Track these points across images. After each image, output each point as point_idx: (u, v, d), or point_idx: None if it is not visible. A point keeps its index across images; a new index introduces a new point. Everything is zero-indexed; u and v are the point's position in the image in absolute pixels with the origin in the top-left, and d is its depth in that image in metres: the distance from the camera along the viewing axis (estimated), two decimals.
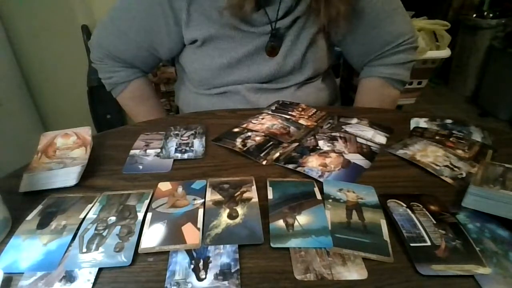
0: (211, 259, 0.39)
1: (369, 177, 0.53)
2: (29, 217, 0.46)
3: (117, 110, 1.69)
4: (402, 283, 0.37)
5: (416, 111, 0.76)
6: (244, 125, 0.67)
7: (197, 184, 0.51)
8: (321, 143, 0.61)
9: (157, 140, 0.65)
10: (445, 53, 1.40)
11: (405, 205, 0.46)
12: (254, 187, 0.50)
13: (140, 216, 0.45)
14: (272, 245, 0.40)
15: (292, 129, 0.66)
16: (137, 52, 0.80)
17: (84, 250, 0.40)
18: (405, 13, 0.79)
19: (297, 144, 0.61)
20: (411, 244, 0.40)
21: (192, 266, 0.38)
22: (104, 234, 0.42)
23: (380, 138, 0.63)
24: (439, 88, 2.81)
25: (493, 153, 0.58)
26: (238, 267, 0.38)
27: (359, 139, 0.62)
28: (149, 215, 0.45)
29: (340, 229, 0.43)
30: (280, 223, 0.43)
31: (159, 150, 0.61)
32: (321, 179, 0.52)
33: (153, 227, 0.43)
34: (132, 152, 0.61)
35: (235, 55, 0.75)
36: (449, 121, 0.69)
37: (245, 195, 0.48)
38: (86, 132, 0.62)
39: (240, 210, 0.45)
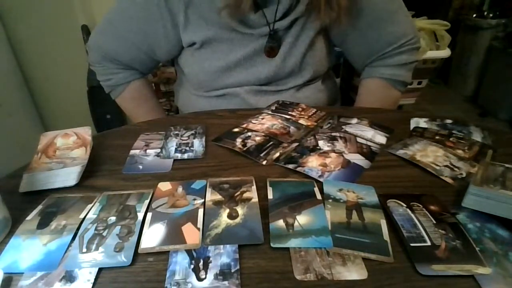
0: (211, 259, 0.39)
1: (369, 177, 0.53)
2: (29, 217, 0.46)
3: (117, 110, 1.68)
4: (402, 283, 0.37)
5: (416, 111, 0.76)
6: (244, 125, 0.67)
7: (197, 184, 0.51)
8: (321, 143, 0.61)
9: (157, 140, 0.65)
10: (445, 53, 1.41)
11: (405, 205, 0.46)
12: (254, 187, 0.50)
13: (140, 216, 0.45)
14: (272, 245, 0.40)
15: (292, 129, 0.66)
16: (135, 54, 0.80)
17: (84, 250, 0.40)
18: (407, 13, 0.79)
19: (297, 144, 0.61)
20: (411, 244, 0.40)
21: (192, 266, 0.38)
22: (104, 234, 0.42)
23: (380, 138, 0.63)
24: (439, 88, 2.81)
25: (493, 153, 0.58)
26: (238, 267, 0.38)
27: (359, 139, 0.62)
28: (149, 215, 0.45)
29: (340, 229, 0.43)
30: (280, 223, 0.43)
31: (159, 150, 0.61)
32: (321, 179, 0.52)
33: (153, 227, 0.43)
34: (132, 152, 0.61)
35: (234, 57, 0.75)
36: (449, 121, 0.69)
37: (245, 195, 0.48)
38: (86, 132, 0.62)
39: (240, 210, 0.45)
